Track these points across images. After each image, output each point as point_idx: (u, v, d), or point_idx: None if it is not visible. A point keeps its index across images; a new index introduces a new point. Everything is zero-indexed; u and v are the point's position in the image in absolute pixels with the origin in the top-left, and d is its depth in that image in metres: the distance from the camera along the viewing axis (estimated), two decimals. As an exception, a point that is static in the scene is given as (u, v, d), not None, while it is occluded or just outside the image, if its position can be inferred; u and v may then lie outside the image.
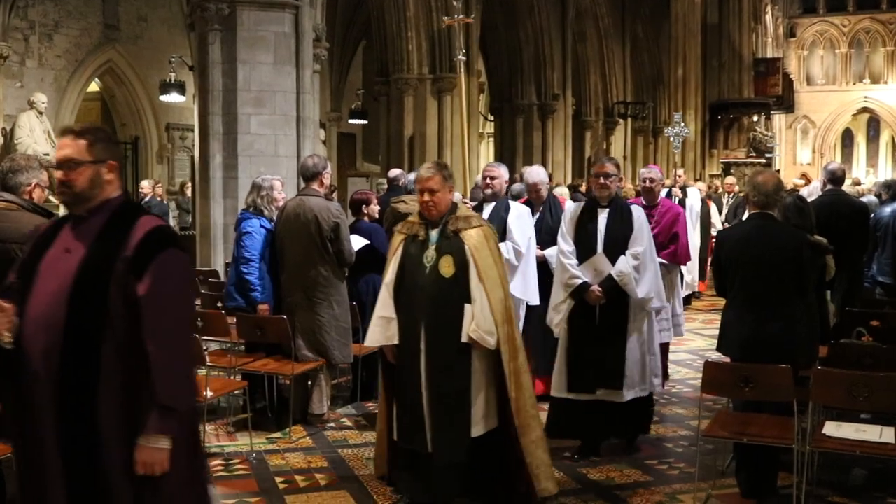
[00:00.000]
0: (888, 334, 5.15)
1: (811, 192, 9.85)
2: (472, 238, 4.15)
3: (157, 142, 16.73)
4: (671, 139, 16.26)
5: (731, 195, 13.14)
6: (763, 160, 20.66)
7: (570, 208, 5.36)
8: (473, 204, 5.81)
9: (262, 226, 5.87)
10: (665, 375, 6.66)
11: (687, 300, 10.53)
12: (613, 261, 4.95)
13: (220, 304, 6.33)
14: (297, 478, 4.82)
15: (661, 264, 6.03)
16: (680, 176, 11.90)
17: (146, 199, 12.29)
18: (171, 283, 2.54)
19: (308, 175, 5.86)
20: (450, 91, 14.92)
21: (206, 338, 5.57)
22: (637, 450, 5.22)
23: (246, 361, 5.75)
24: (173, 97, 14.36)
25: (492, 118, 20.80)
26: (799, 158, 34.96)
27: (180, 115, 16.30)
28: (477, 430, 4.11)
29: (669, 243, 6.21)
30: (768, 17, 31.07)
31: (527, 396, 4.22)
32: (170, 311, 2.52)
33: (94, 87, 16.26)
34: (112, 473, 2.49)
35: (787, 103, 30.10)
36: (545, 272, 5.87)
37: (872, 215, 7.29)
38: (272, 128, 9.21)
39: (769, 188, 4.42)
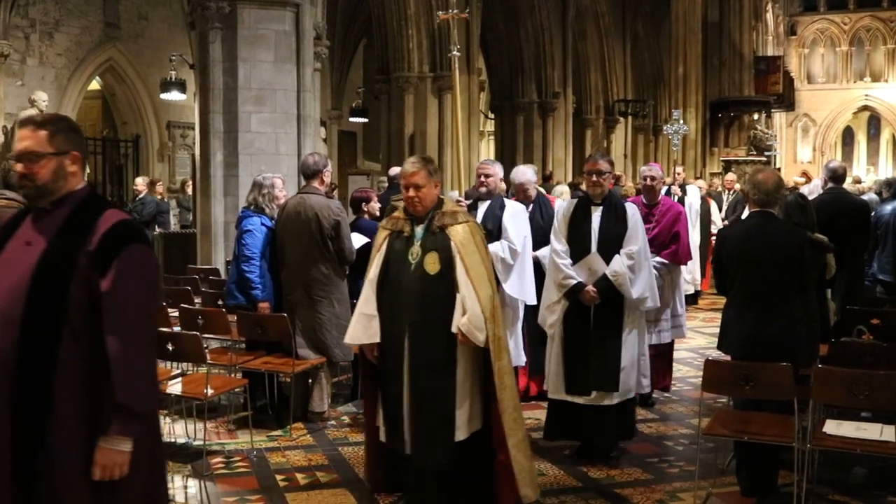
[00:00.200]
0: (889, 332, 5.14)
1: (812, 190, 9.88)
2: (459, 234, 4.00)
3: (157, 140, 16.73)
4: (670, 136, 16.25)
5: (730, 192, 13.11)
6: (763, 158, 20.62)
7: (563, 206, 5.24)
8: (468, 203, 5.77)
9: (262, 224, 5.87)
10: (669, 375, 6.65)
11: (693, 299, 10.53)
12: (607, 260, 4.85)
13: (220, 302, 6.33)
14: (298, 475, 4.82)
15: (662, 264, 6.02)
16: (679, 174, 11.89)
17: (140, 196, 12.03)
18: (135, 279, 2.44)
19: (309, 173, 5.86)
20: (450, 89, 14.84)
21: (206, 335, 5.56)
22: (620, 454, 5.04)
23: (246, 359, 5.75)
24: (174, 95, 14.38)
25: (492, 116, 20.80)
26: (799, 157, 34.92)
27: (181, 114, 16.31)
28: (461, 434, 3.98)
29: (671, 243, 6.10)
30: (769, 15, 31.01)
31: (510, 398, 4.04)
32: (132, 309, 2.42)
33: (94, 85, 16.27)
34: (68, 475, 2.40)
35: (787, 101, 30.01)
36: (537, 272, 5.78)
37: (873, 213, 7.30)
38: (273, 126, 9.23)
39: (770, 186, 4.42)
